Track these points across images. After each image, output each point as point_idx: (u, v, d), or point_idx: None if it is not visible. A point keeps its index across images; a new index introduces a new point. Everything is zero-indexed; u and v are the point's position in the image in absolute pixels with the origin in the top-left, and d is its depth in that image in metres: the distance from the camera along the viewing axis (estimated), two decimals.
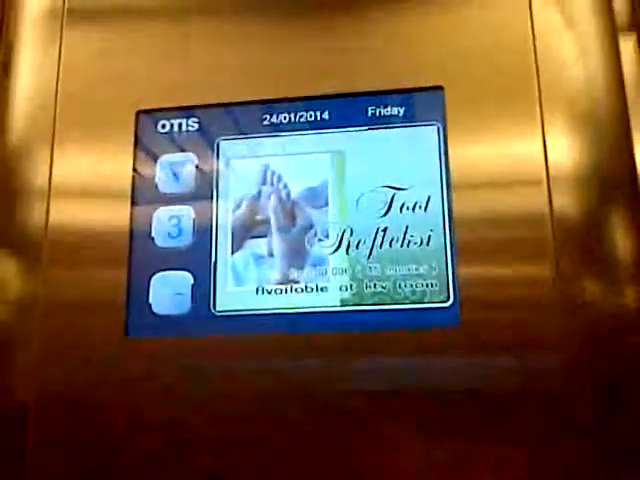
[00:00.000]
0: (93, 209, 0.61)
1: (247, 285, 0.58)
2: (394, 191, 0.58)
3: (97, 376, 0.57)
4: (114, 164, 0.62)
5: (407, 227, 0.57)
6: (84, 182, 0.62)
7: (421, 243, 0.57)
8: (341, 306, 0.57)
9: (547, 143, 0.57)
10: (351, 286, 0.57)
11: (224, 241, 0.59)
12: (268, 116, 0.61)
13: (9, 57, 0.67)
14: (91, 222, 0.61)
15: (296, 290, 0.57)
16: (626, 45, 0.61)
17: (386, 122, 0.60)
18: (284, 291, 0.57)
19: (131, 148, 0.62)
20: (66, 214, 0.61)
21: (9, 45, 0.68)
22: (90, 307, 0.59)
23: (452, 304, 0.55)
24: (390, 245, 0.57)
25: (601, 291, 0.55)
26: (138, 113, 0.62)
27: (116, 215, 0.60)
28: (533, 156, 0.57)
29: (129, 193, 0.61)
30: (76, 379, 0.58)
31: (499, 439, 0.53)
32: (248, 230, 0.59)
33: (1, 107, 0.66)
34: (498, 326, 0.54)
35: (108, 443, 0.56)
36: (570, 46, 0.60)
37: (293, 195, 0.59)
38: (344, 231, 0.58)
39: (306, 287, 0.57)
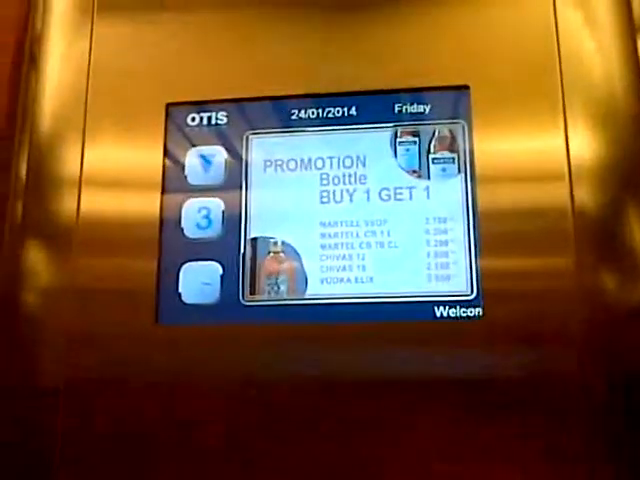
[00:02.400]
0: (123, 199, 0.62)
1: None
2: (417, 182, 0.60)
3: (127, 362, 0.59)
4: (144, 155, 0.63)
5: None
6: (115, 173, 0.63)
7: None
8: (370, 297, 0.58)
9: (569, 139, 0.58)
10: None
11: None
12: (296, 111, 0.62)
13: (37, 50, 0.68)
14: (121, 212, 0.62)
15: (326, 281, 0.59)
16: None
17: (412, 119, 0.61)
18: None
19: (161, 140, 0.62)
20: (97, 204, 0.62)
21: (37, 37, 0.69)
22: (120, 295, 0.60)
23: (475, 297, 0.57)
24: None
25: (620, 283, 0.56)
26: (168, 106, 0.63)
27: (146, 206, 0.61)
28: (556, 152, 0.58)
29: (159, 184, 0.62)
30: (106, 365, 0.59)
31: (518, 429, 0.54)
32: None
33: (30, 98, 0.66)
34: (520, 318, 0.55)
35: (137, 429, 0.57)
36: (591, 44, 0.61)
37: None
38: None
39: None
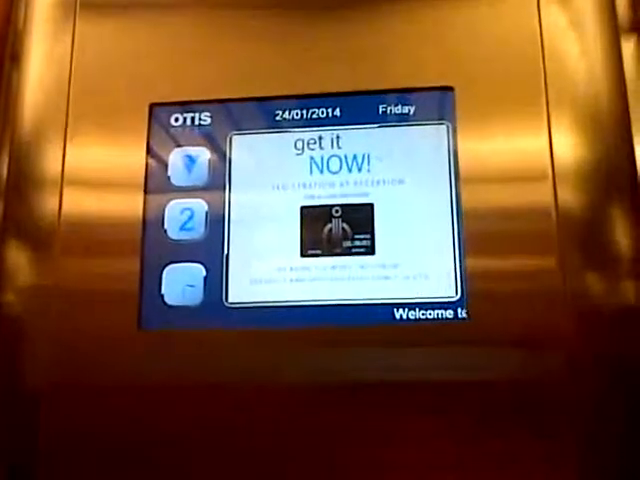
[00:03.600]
0: (106, 200, 0.62)
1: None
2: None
3: (109, 366, 0.58)
4: (127, 156, 0.62)
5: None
6: (97, 173, 0.62)
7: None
8: (354, 299, 0.58)
9: (553, 140, 0.59)
10: None
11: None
12: (280, 112, 0.62)
13: (19, 47, 0.67)
14: (104, 213, 0.61)
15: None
16: (627, 45, 0.62)
17: (396, 120, 0.61)
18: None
19: (144, 140, 0.62)
20: (79, 204, 0.62)
21: (19, 35, 0.68)
22: (103, 297, 0.59)
23: (459, 299, 0.57)
24: None
25: (604, 283, 0.56)
26: (151, 106, 0.63)
27: (129, 207, 0.61)
28: (539, 152, 0.58)
29: (142, 185, 0.61)
30: (88, 369, 0.58)
31: (504, 432, 0.54)
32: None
33: (11, 97, 0.66)
34: (503, 319, 0.55)
35: (120, 434, 0.57)
36: (575, 45, 0.61)
37: None
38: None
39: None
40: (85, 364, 0.58)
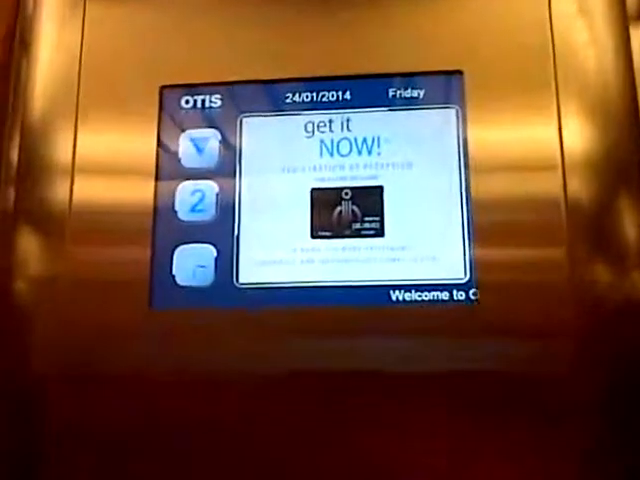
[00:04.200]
0: (117, 183, 0.62)
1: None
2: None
3: (120, 348, 0.58)
4: (138, 139, 0.62)
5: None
6: (108, 157, 0.63)
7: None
8: (363, 280, 0.58)
9: (562, 129, 0.59)
10: None
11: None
12: (290, 95, 0.62)
13: (28, 33, 0.67)
14: (115, 196, 0.62)
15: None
16: (636, 34, 0.62)
17: (406, 104, 0.61)
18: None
19: (155, 123, 0.62)
20: (90, 189, 0.62)
21: (28, 20, 0.68)
22: (114, 280, 0.59)
23: (468, 280, 0.57)
24: None
25: (612, 275, 0.56)
26: (162, 88, 0.63)
27: (140, 189, 0.61)
28: (549, 141, 0.59)
29: (153, 167, 0.61)
30: (99, 354, 0.58)
31: (506, 421, 0.54)
32: None
33: (21, 84, 0.66)
34: (510, 306, 0.56)
35: (131, 414, 0.57)
36: (585, 33, 0.61)
37: None
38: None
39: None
40: (97, 348, 0.59)
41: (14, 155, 0.64)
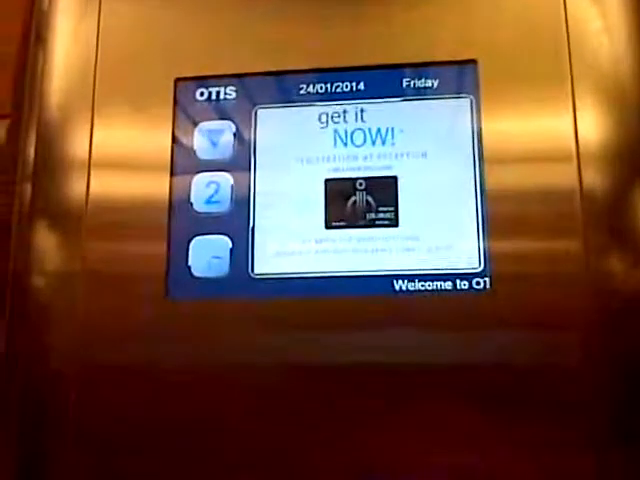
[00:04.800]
0: (133, 176, 0.62)
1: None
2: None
3: (137, 338, 0.59)
4: (153, 131, 0.62)
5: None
6: (124, 149, 0.63)
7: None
8: (378, 270, 0.58)
9: (577, 119, 0.58)
10: None
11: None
12: (304, 86, 0.62)
13: (44, 27, 0.68)
14: (131, 188, 0.62)
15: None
16: None
17: (420, 94, 0.61)
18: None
19: (170, 115, 0.62)
20: (107, 181, 0.62)
21: (44, 14, 0.68)
22: (131, 273, 0.60)
23: (482, 269, 0.57)
24: None
25: (629, 267, 0.56)
26: (177, 81, 0.63)
27: (155, 181, 0.61)
28: (564, 132, 0.58)
29: (168, 159, 0.62)
30: (117, 342, 0.59)
31: (520, 416, 0.54)
32: None
33: (37, 78, 0.66)
34: (525, 297, 0.55)
35: (149, 404, 0.57)
36: (599, 23, 0.60)
37: None
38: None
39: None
40: (114, 342, 0.59)
41: (31, 151, 0.65)
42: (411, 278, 0.57)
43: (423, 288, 0.57)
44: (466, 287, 0.57)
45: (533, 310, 0.55)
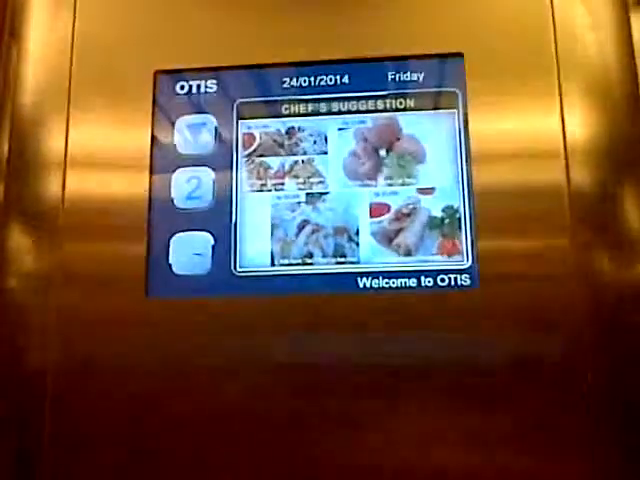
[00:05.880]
0: (112, 171, 0.60)
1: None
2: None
3: (117, 337, 0.57)
4: (133, 124, 0.61)
5: None
6: (103, 143, 0.61)
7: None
8: (360, 267, 0.57)
9: (565, 116, 0.58)
10: None
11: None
12: (288, 79, 0.61)
13: (18, 22, 0.66)
14: (110, 184, 0.60)
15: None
16: (637, 19, 0.62)
17: (406, 87, 0.60)
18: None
19: (150, 109, 0.61)
20: (83, 181, 0.60)
21: (16, 9, 0.67)
22: (110, 271, 0.58)
23: (470, 266, 0.56)
24: None
25: (615, 263, 0.56)
26: (156, 73, 0.62)
27: (135, 177, 0.60)
28: (551, 129, 0.58)
29: (148, 154, 0.60)
30: (96, 341, 0.57)
31: (512, 412, 0.54)
32: None
33: (11, 74, 0.64)
34: (512, 295, 0.55)
35: (129, 404, 0.56)
36: (586, 19, 0.60)
37: None
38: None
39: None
40: (94, 340, 0.57)
41: (4, 149, 0.63)
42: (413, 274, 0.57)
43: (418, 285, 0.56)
44: (455, 284, 0.56)
45: (520, 306, 0.55)
